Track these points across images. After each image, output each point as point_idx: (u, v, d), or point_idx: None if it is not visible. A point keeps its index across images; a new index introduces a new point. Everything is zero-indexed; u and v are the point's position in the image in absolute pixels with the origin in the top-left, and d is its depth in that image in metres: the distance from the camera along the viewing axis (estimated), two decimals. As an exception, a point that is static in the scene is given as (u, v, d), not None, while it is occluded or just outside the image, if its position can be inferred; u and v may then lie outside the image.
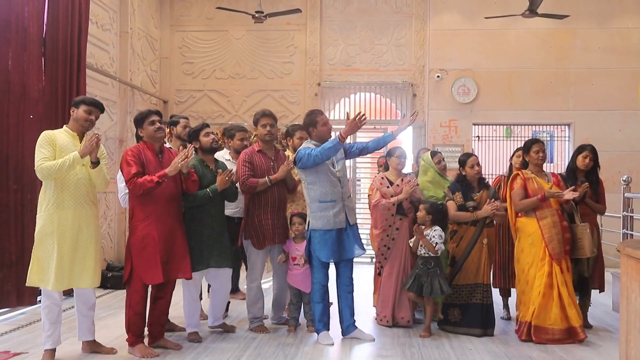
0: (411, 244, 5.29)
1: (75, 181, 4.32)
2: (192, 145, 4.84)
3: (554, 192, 5.04)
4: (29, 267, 4.30)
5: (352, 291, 5.16)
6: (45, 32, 6.19)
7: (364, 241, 5.38)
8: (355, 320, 5.15)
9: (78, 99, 4.54)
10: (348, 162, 5.72)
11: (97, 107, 4.50)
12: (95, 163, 4.36)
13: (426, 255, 5.11)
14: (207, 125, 5.15)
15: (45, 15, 6.19)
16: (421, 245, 5.13)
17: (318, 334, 5.03)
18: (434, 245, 5.07)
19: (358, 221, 5.30)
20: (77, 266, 4.34)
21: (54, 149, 4.25)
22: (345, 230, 5.00)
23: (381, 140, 5.10)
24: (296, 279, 5.25)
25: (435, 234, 5.10)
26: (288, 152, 5.82)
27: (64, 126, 4.45)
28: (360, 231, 5.28)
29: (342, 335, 5.11)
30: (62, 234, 4.27)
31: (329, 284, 5.12)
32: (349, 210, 5.05)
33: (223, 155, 5.87)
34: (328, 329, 5.07)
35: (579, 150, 5.65)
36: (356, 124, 4.71)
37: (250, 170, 5.10)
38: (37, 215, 4.32)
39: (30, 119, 5.89)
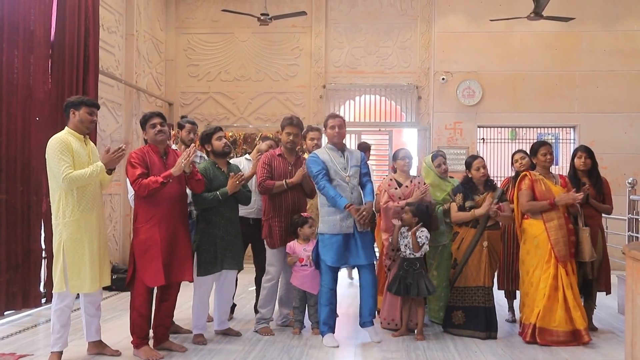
0: (390, 240, 5.25)
1: (93, 185, 4.38)
2: (194, 146, 4.84)
3: (565, 199, 5.04)
4: (63, 276, 4.26)
5: (373, 295, 5.14)
6: (53, 34, 6.22)
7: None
8: (372, 319, 5.15)
9: (75, 100, 4.47)
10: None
11: (97, 107, 4.54)
12: (112, 170, 4.44)
13: (411, 256, 5.10)
14: (220, 129, 5.18)
15: (54, 18, 6.22)
16: (405, 246, 5.11)
17: (323, 336, 5.03)
18: (421, 246, 5.08)
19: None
20: (102, 266, 4.45)
21: (72, 155, 4.26)
22: (353, 236, 5.00)
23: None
24: (304, 280, 5.26)
25: (422, 235, 5.09)
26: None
27: (66, 128, 4.42)
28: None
29: (360, 325, 5.16)
30: (91, 237, 4.34)
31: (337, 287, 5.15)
32: None
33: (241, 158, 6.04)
34: (333, 332, 5.08)
35: (574, 153, 5.71)
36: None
37: (268, 172, 5.22)
38: (58, 222, 4.29)
39: (36, 121, 5.92)
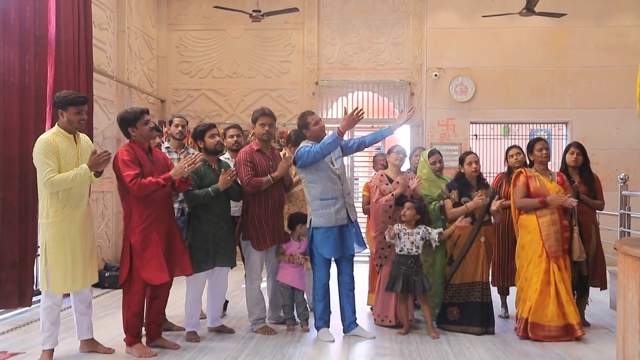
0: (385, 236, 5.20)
1: (78, 185, 4.31)
2: (200, 154, 4.74)
3: (556, 200, 5.03)
4: (45, 275, 4.24)
5: (354, 289, 5.19)
6: (52, 33, 6.18)
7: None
8: (356, 318, 5.18)
9: (61, 100, 4.30)
10: (345, 160, 5.72)
11: (84, 104, 4.37)
12: (100, 173, 4.39)
13: (415, 253, 5.11)
14: (214, 127, 5.12)
15: (53, 16, 6.18)
16: (412, 243, 5.09)
17: (318, 331, 5.04)
18: (434, 243, 5.14)
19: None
20: (87, 265, 4.40)
21: (58, 157, 4.20)
22: (347, 226, 5.03)
23: (379, 134, 5.13)
24: (293, 277, 5.26)
25: (430, 232, 5.13)
26: (286, 152, 5.82)
27: (56, 126, 4.34)
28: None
29: (344, 332, 5.14)
30: (73, 237, 4.30)
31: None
32: (350, 206, 5.08)
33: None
34: (328, 326, 5.10)
35: (566, 149, 5.74)
36: (354, 118, 4.77)
37: (252, 170, 5.04)
38: (42, 222, 4.27)
39: (33, 119, 5.85)
